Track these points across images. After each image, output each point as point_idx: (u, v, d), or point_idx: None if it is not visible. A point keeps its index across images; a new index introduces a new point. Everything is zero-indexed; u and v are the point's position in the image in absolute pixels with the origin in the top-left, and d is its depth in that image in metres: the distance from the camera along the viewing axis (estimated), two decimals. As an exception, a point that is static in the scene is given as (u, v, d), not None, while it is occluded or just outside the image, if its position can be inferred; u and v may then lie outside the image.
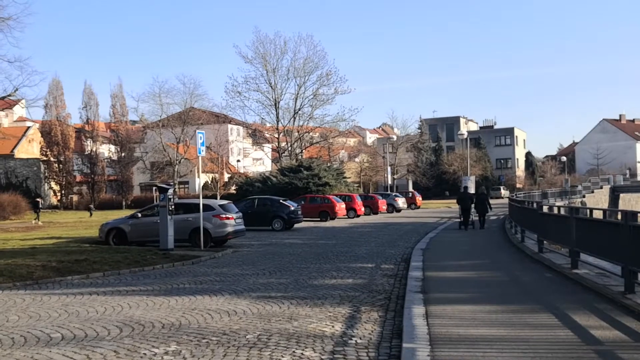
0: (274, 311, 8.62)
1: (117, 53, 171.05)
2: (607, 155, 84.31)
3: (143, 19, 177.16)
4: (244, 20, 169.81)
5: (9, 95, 31.89)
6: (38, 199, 47.31)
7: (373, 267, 13.51)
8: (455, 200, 28.92)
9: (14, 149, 66.80)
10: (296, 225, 28.15)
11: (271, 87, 55.86)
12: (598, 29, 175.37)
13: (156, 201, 23.57)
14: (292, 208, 27.09)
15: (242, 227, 19.56)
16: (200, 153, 17.26)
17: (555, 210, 14.13)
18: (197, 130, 18.10)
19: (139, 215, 19.14)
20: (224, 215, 18.49)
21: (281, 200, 27.61)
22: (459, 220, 26.01)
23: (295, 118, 57.10)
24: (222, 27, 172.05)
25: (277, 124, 57.00)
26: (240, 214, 19.75)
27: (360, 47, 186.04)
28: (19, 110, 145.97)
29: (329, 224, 31.21)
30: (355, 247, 18.14)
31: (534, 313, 7.81)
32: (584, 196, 56.42)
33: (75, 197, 66.13)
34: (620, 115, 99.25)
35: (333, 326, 7.62)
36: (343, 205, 34.63)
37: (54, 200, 64.13)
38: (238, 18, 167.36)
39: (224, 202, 19.94)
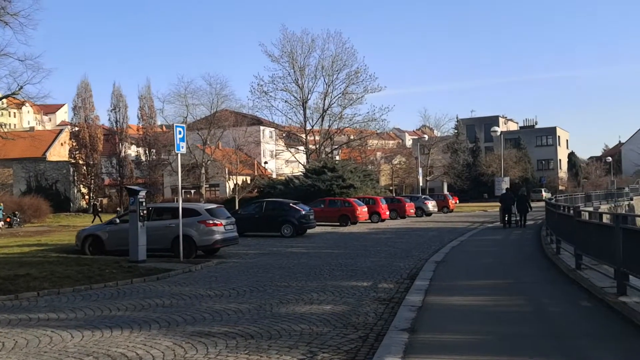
0: (194, 360, 6.25)
1: (143, 53, 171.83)
2: (657, 156, 79.19)
3: (168, 18, 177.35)
4: (270, 18, 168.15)
5: (14, 94, 30.63)
6: (96, 202, 46.59)
7: (368, 287, 10.99)
8: (495, 203, 31.81)
9: (46, 151, 66.37)
10: (310, 231, 25.73)
11: (298, 86, 53.64)
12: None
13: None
14: (304, 212, 24.64)
15: (234, 234, 17.23)
16: (178, 149, 14.98)
17: (596, 218, 11.28)
18: (175, 124, 15.89)
19: (117, 220, 16.98)
20: (210, 222, 16.20)
21: (291, 204, 25.18)
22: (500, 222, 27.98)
23: (323, 118, 54.77)
24: (247, 26, 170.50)
25: (305, 124, 54.76)
26: (232, 220, 17.43)
27: (397, 49, 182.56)
28: (61, 115, 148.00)
29: (347, 229, 28.66)
30: (360, 259, 15.63)
31: (559, 376, 5.23)
32: (631, 199, 52.37)
33: (104, 200, 65.18)
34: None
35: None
36: (365, 209, 32.00)
37: (83, 204, 63.20)
38: (264, 16, 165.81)
39: (213, 206, 17.63)
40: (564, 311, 8.33)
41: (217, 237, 16.32)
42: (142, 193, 14.89)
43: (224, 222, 16.63)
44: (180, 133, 15.06)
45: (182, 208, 15.69)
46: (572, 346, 6.37)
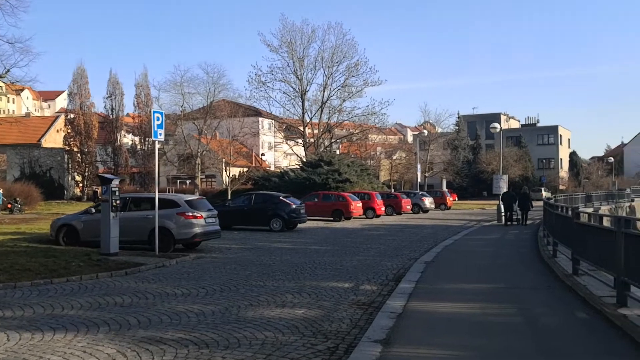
0: (131, 373, 5.48)
1: (141, 41, 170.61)
2: (660, 157, 78.32)
3: (165, 5, 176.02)
4: (269, 7, 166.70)
5: (0, 77, 29.80)
6: (97, 189, 45.90)
7: (348, 289, 10.22)
8: (493, 201, 32.54)
9: (41, 138, 65.38)
10: (301, 226, 24.95)
11: (297, 77, 52.67)
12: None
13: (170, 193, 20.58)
14: (294, 206, 23.84)
15: (216, 227, 16.43)
16: (156, 137, 14.16)
17: (596, 220, 10.43)
18: (153, 110, 15.08)
19: (93, 210, 16.18)
20: (190, 214, 15.39)
21: (281, 197, 24.39)
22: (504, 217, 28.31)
23: (322, 110, 53.85)
24: (246, 14, 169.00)
25: (303, 116, 53.87)
26: (215, 212, 16.63)
27: (400, 45, 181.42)
28: (60, 102, 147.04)
29: (340, 224, 27.87)
30: (347, 257, 14.85)
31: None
32: (632, 200, 51.55)
33: (99, 189, 64.21)
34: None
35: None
36: (359, 204, 31.14)
37: (77, 192, 62.32)
38: (263, 5, 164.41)
39: (193, 197, 16.87)
40: (558, 323, 7.54)
41: (197, 230, 15.52)
42: (116, 182, 14.05)
43: (204, 214, 15.83)
44: (158, 120, 14.23)
45: (160, 199, 14.92)
46: (565, 367, 5.60)
